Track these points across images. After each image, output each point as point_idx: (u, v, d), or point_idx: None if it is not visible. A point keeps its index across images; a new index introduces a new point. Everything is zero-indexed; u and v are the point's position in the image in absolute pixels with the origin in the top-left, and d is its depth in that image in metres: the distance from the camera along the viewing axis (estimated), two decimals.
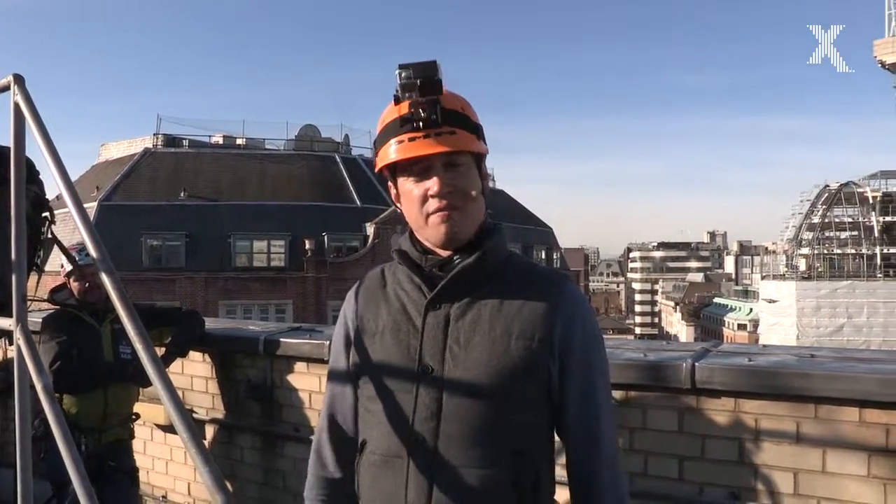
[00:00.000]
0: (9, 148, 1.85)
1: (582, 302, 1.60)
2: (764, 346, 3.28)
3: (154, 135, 35.37)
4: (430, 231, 1.54)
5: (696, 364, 2.65)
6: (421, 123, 1.46)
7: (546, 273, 1.64)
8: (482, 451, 1.47)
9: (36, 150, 1.75)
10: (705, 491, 2.67)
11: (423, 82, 1.45)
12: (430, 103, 1.46)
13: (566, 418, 1.55)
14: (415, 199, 1.52)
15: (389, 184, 1.61)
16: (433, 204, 1.50)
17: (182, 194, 31.60)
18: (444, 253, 1.56)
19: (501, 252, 1.59)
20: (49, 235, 2.81)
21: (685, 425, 2.71)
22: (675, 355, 2.80)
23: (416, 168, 1.51)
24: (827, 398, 2.45)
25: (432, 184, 1.49)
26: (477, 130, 1.55)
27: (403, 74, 1.45)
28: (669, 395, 2.72)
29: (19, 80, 1.72)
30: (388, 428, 1.53)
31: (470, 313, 1.53)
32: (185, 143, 36.41)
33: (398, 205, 1.61)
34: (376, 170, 1.61)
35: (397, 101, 1.49)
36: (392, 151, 1.51)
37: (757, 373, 2.58)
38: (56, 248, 3.02)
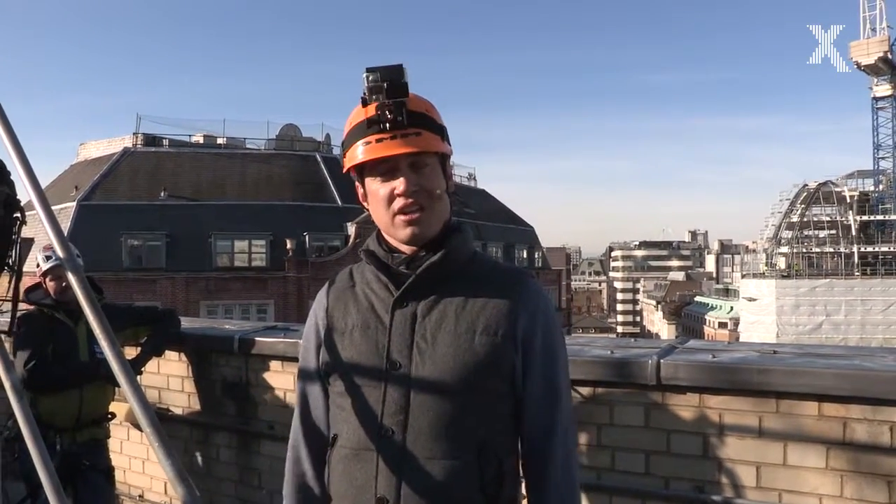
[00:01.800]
0: None
1: (543, 297, 1.66)
2: (729, 342, 3.35)
3: (134, 134, 34.94)
4: (396, 230, 1.58)
5: (662, 361, 2.71)
6: (387, 125, 1.51)
7: (508, 271, 1.70)
8: (448, 443, 1.51)
9: (3, 150, 1.77)
10: (671, 484, 2.73)
11: (389, 85, 1.48)
12: (397, 105, 1.49)
13: (525, 408, 1.60)
14: (381, 198, 1.57)
15: (357, 184, 1.65)
16: (399, 203, 1.55)
17: (162, 194, 31.31)
18: (409, 250, 1.60)
19: (466, 250, 1.64)
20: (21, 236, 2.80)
21: (651, 420, 2.76)
22: (642, 352, 2.86)
23: (382, 168, 1.56)
24: (787, 393, 2.52)
25: (398, 184, 1.54)
26: (442, 132, 1.60)
27: (371, 77, 1.49)
28: (636, 392, 2.78)
29: None
30: (358, 422, 1.57)
31: (436, 310, 1.57)
32: (166, 142, 36.02)
33: (366, 204, 1.65)
34: (344, 170, 1.65)
35: (364, 103, 1.53)
36: (359, 152, 1.55)
37: (720, 369, 2.64)
38: (32, 249, 3.01)
